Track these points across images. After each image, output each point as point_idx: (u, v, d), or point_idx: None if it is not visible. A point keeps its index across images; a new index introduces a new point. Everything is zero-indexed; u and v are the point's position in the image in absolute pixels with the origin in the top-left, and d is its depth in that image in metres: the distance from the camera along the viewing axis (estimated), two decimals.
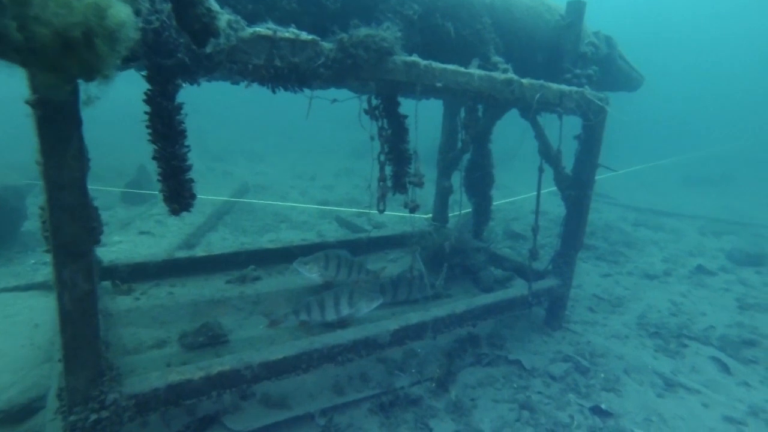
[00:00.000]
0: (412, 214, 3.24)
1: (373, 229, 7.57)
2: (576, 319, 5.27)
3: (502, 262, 5.58)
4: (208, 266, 4.74)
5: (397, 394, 3.65)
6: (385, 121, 3.13)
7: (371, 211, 9.13)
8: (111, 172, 9.44)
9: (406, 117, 3.17)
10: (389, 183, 3.19)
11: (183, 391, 2.63)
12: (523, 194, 11.58)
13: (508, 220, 10.19)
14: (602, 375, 4.19)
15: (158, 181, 2.21)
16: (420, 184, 3.08)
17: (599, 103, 4.00)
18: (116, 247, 6.16)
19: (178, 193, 2.16)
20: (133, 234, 6.82)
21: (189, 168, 2.21)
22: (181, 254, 4.62)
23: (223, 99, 30.54)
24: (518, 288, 4.50)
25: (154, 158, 2.12)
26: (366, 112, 3.13)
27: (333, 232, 8.39)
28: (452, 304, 3.93)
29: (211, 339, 3.50)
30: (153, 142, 2.06)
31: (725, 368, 4.34)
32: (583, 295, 6.03)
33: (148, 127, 2.01)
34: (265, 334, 3.82)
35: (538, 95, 3.72)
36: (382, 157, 3.17)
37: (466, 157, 5.75)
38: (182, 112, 2.09)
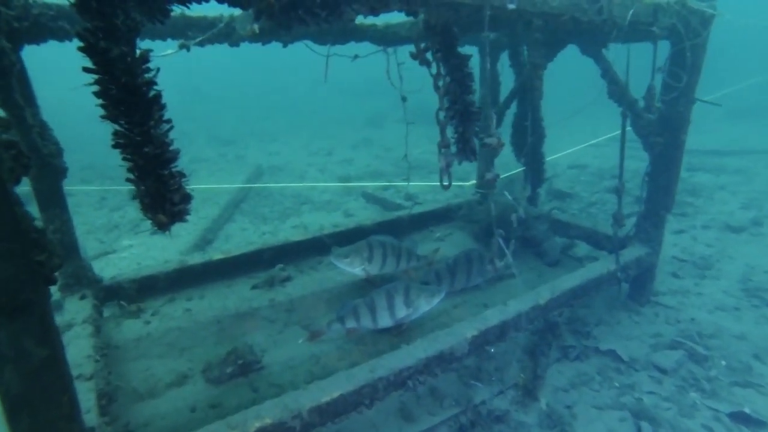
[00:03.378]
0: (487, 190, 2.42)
1: (412, 204, 6.78)
2: (662, 289, 4.44)
3: (567, 229, 4.74)
4: (229, 270, 4.03)
5: (478, 412, 2.94)
6: (441, 65, 2.28)
7: (399, 183, 8.22)
8: (119, 170, 8.79)
9: (469, 57, 2.31)
10: (453, 149, 2.37)
11: None
12: (556, 150, 10.55)
13: (547, 179, 9.26)
14: (724, 363, 3.39)
15: (129, 180, 1.44)
16: (499, 146, 2.25)
17: (710, 11, 3.04)
18: (127, 252, 5.51)
19: (162, 197, 1.39)
20: (146, 235, 6.16)
21: (173, 157, 1.43)
22: (196, 259, 3.91)
23: (226, 80, 29.75)
24: (602, 263, 3.68)
25: (114, 146, 1.35)
26: (414, 56, 2.28)
27: (362, 210, 7.62)
28: (534, 293, 3.15)
29: (242, 368, 2.80)
30: (109, 118, 1.27)
31: None
32: (660, 258, 5.17)
33: (96, 94, 1.22)
34: (306, 351, 3.12)
35: (630, 12, 2.80)
36: (442, 116, 2.33)
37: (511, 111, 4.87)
38: (149, 68, 1.28)
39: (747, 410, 2.91)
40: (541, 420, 2.94)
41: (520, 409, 3.02)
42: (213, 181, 9.65)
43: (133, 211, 7.57)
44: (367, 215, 7.29)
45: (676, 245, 5.48)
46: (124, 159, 1.39)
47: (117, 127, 1.31)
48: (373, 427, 2.76)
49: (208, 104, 23.79)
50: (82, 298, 3.15)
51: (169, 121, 1.43)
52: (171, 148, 1.44)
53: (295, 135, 16.10)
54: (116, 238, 5.97)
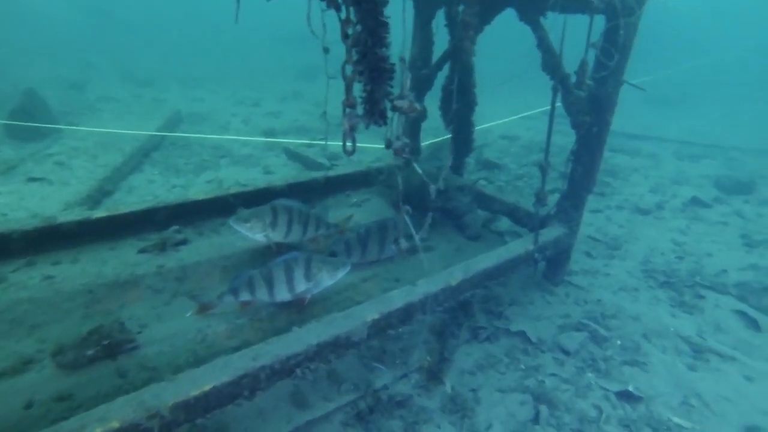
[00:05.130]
0: (404, 156, 2.12)
1: (330, 164, 6.40)
2: (575, 268, 4.50)
3: (491, 203, 4.64)
4: (114, 230, 3.50)
5: (378, 397, 2.76)
6: (351, 9, 1.90)
7: (324, 142, 7.76)
8: None
9: (385, 3, 1.95)
10: (360, 110, 2.03)
11: None
12: (489, 119, 10.52)
13: (477, 147, 9.23)
14: (618, 342, 3.47)
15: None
16: (411, 111, 1.94)
17: None
18: None
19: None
20: (20, 181, 5.29)
21: None
22: (70, 216, 3.33)
23: (147, 11, 26.71)
24: (520, 242, 3.58)
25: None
26: None
27: (282, 167, 7.14)
28: (445, 274, 2.96)
29: (108, 349, 2.39)
30: None
31: (754, 324, 3.74)
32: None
33: None
34: (193, 327, 2.75)
35: None
36: (349, 70, 1.97)
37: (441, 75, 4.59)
38: None
39: (630, 388, 2.99)
40: (444, 404, 2.83)
41: (424, 393, 2.88)
42: (121, 125, 8.61)
43: (8, 150, 6.51)
44: (286, 173, 6.83)
45: (592, 225, 5.62)
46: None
47: None
48: (260, 415, 2.49)
49: (123, 34, 21.31)
50: None
51: None
52: None
53: (222, 82, 14.86)
54: None
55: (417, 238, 2.18)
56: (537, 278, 4.19)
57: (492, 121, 10.50)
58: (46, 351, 2.36)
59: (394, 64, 2.03)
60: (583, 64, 3.01)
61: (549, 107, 3.31)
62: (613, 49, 3.06)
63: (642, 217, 5.92)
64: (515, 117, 10.97)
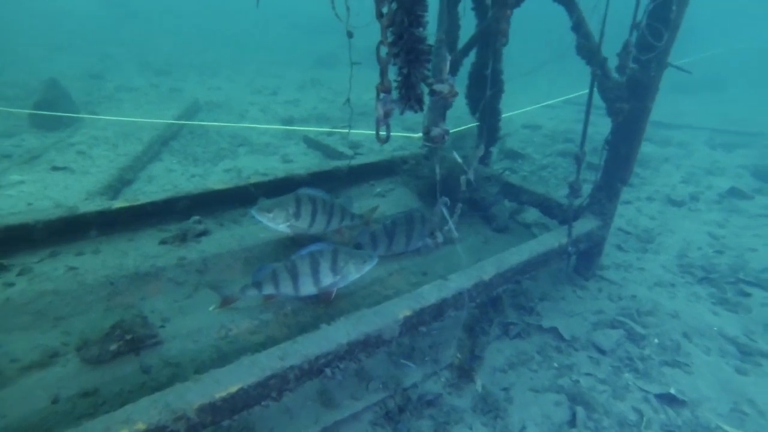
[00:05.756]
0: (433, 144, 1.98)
1: (354, 153, 6.27)
2: (607, 262, 4.32)
3: (519, 193, 4.46)
4: (134, 221, 3.44)
5: (407, 396, 2.66)
6: None
7: (344, 130, 7.63)
8: (17, 88, 7.50)
9: None
10: (395, 94, 1.89)
11: None
12: (511, 108, 10.26)
13: (501, 137, 9.00)
14: (656, 341, 3.30)
15: None
16: (452, 95, 1.80)
17: None
18: (15, 190, 4.65)
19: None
20: (44, 170, 5.28)
21: None
22: (91, 206, 3.27)
23: (166, 1, 26.73)
24: (553, 235, 3.41)
25: None
26: None
27: (302, 156, 7.03)
28: (478, 268, 2.83)
29: (131, 344, 2.32)
30: None
31: None
32: None
33: None
34: (215, 321, 2.68)
35: None
36: (384, 51, 1.83)
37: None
38: None
39: (673, 391, 2.84)
40: (475, 404, 2.72)
41: (454, 392, 2.77)
42: (140, 114, 8.62)
43: (32, 139, 6.52)
44: (306, 162, 6.73)
45: (622, 216, 5.40)
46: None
47: None
48: (286, 413, 2.41)
49: (140, 25, 21.38)
50: None
51: None
52: None
53: (240, 70, 14.79)
54: (3, 171, 5.05)
55: (454, 230, 2.04)
56: (567, 272, 4.03)
57: (513, 110, 10.23)
58: (70, 344, 2.30)
59: (431, 46, 1.88)
60: (626, 45, 2.80)
61: (571, 96, 3.13)
62: (663, 27, 2.83)
63: (675, 209, 5.67)
64: (537, 106, 10.68)
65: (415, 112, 1.96)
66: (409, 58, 1.86)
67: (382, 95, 1.88)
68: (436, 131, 1.85)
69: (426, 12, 1.88)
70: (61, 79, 8.19)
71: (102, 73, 12.75)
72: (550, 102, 11.01)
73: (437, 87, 1.77)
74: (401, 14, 1.81)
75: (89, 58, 14.67)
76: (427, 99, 1.97)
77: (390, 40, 1.85)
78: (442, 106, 2.01)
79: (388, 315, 2.32)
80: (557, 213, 4.10)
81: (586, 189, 3.79)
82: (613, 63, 3.31)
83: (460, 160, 2.15)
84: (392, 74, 1.92)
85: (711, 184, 6.45)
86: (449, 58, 1.85)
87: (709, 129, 10.15)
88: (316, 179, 4.16)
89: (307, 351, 2.03)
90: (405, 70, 1.88)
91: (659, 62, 3.14)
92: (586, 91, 3.22)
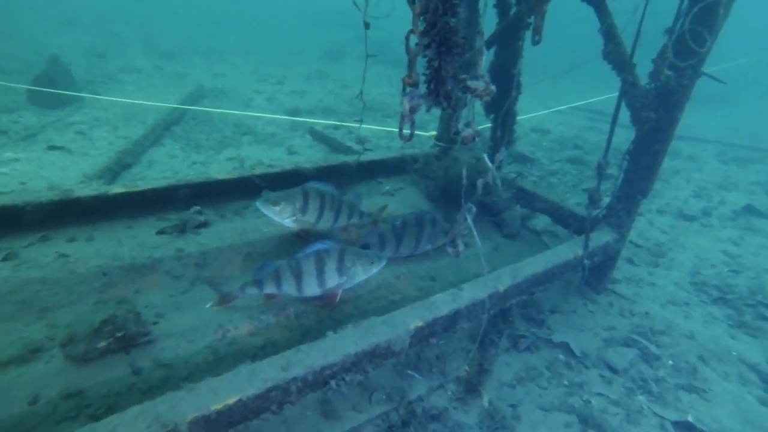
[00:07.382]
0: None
1: (363, 149, 6.09)
2: (617, 276, 4.17)
3: (531, 199, 4.32)
4: (132, 207, 3.28)
5: (412, 410, 2.51)
6: None
7: (351, 124, 7.45)
8: (16, 62, 7.29)
9: None
10: (423, 89, 1.73)
11: None
12: (520, 110, 10.10)
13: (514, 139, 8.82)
14: (671, 362, 3.16)
15: None
16: (487, 93, 1.64)
17: None
18: (8, 167, 4.46)
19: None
20: (41, 149, 5.10)
21: None
22: (87, 190, 3.10)
23: None
24: (569, 246, 3.27)
25: None
26: None
27: (307, 149, 6.86)
28: (493, 278, 2.68)
29: (121, 342, 2.17)
30: None
31: None
32: None
33: None
34: (213, 320, 2.53)
35: None
36: (414, 41, 1.67)
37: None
38: None
39: (690, 419, 2.70)
40: (481, 420, 2.58)
41: (460, 406, 2.63)
42: (143, 97, 8.41)
43: (30, 116, 6.32)
44: (312, 155, 6.56)
45: (634, 228, 5.20)
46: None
47: None
48: (284, 424, 2.26)
49: (149, 4, 21.08)
50: None
51: None
52: None
53: (246, 58, 14.59)
54: None
55: (478, 240, 1.89)
56: (578, 284, 3.88)
57: (522, 114, 10.07)
58: (55, 339, 2.15)
59: (465, 38, 1.72)
60: (664, 50, 2.64)
61: (582, 102, 2.98)
62: (707, 31, 2.66)
63: (687, 224, 5.53)
64: (546, 111, 10.51)
65: (443, 109, 1.80)
66: (440, 50, 1.70)
67: (408, 89, 1.72)
68: (467, 132, 1.69)
69: (461, 1, 1.72)
70: (63, 55, 7.99)
71: (106, 52, 12.53)
72: (559, 108, 10.85)
73: (472, 84, 1.61)
74: (436, 1, 1.65)
75: (94, 35, 14.44)
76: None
77: (421, 29, 1.69)
78: (465, 105, 1.85)
79: (399, 325, 2.17)
80: (570, 222, 3.95)
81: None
82: (642, 70, 3.16)
83: (490, 164, 1.99)
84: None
85: (724, 200, 6.30)
86: (486, 52, 1.69)
87: (720, 143, 10.00)
88: (323, 173, 4.00)
89: (311, 361, 1.88)
90: (435, 63, 1.72)
91: (692, 70, 2.98)
92: (596, 98, 3.07)
